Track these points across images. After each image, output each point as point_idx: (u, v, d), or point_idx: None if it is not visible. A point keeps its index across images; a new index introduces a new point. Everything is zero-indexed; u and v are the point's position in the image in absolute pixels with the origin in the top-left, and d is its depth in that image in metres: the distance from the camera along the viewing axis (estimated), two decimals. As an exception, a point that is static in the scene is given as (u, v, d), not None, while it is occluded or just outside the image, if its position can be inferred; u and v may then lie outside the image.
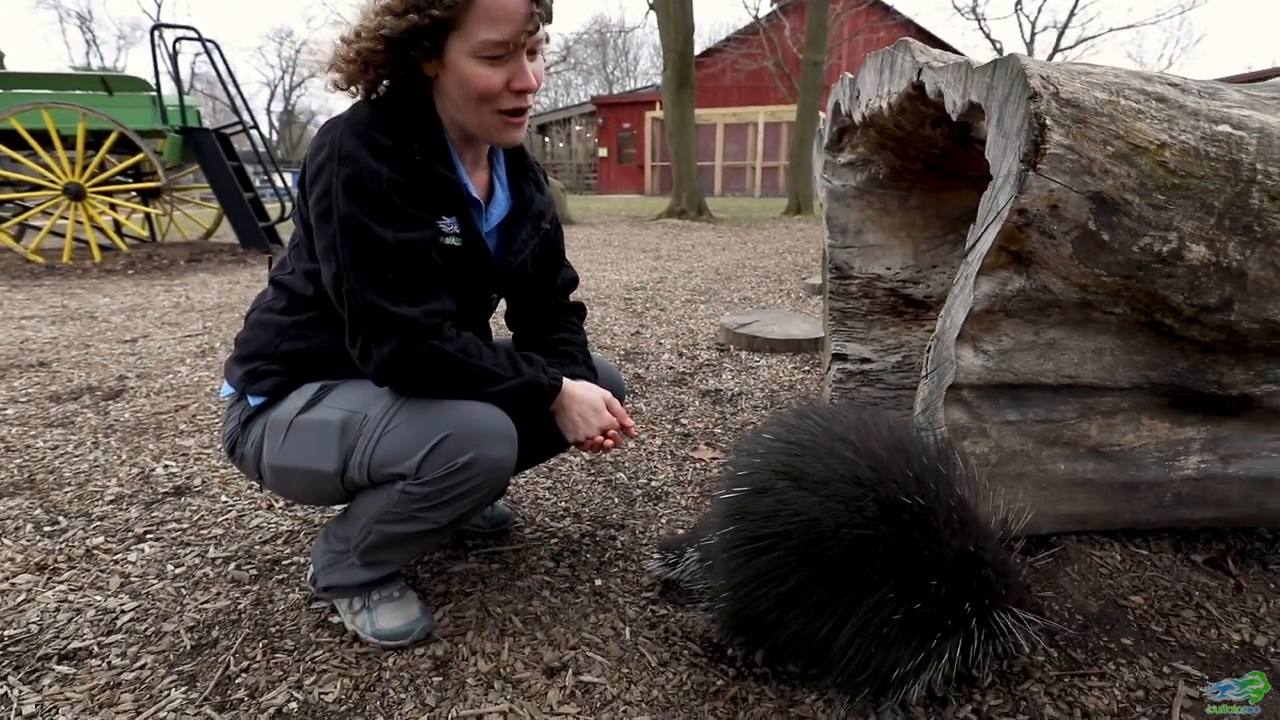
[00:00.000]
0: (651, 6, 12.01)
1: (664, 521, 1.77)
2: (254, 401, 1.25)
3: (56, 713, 1.11)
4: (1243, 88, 1.28)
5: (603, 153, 25.81)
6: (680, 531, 1.69)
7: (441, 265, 1.16)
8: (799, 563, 1.08)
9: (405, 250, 1.10)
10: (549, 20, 1.12)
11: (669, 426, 2.42)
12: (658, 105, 17.57)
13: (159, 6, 39.07)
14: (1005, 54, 1.19)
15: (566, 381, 1.26)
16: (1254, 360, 1.30)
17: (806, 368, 3.14)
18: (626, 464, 2.11)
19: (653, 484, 1.98)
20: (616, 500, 1.88)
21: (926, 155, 2.01)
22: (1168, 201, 1.13)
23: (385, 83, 1.16)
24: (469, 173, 1.24)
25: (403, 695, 1.16)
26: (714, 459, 2.15)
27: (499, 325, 1.52)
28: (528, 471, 2.00)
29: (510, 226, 1.34)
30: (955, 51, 1.27)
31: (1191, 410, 1.42)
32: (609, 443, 1.29)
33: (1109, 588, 1.47)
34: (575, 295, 1.56)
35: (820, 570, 1.08)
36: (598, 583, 1.49)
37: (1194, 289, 1.20)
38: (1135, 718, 1.13)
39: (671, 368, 3.13)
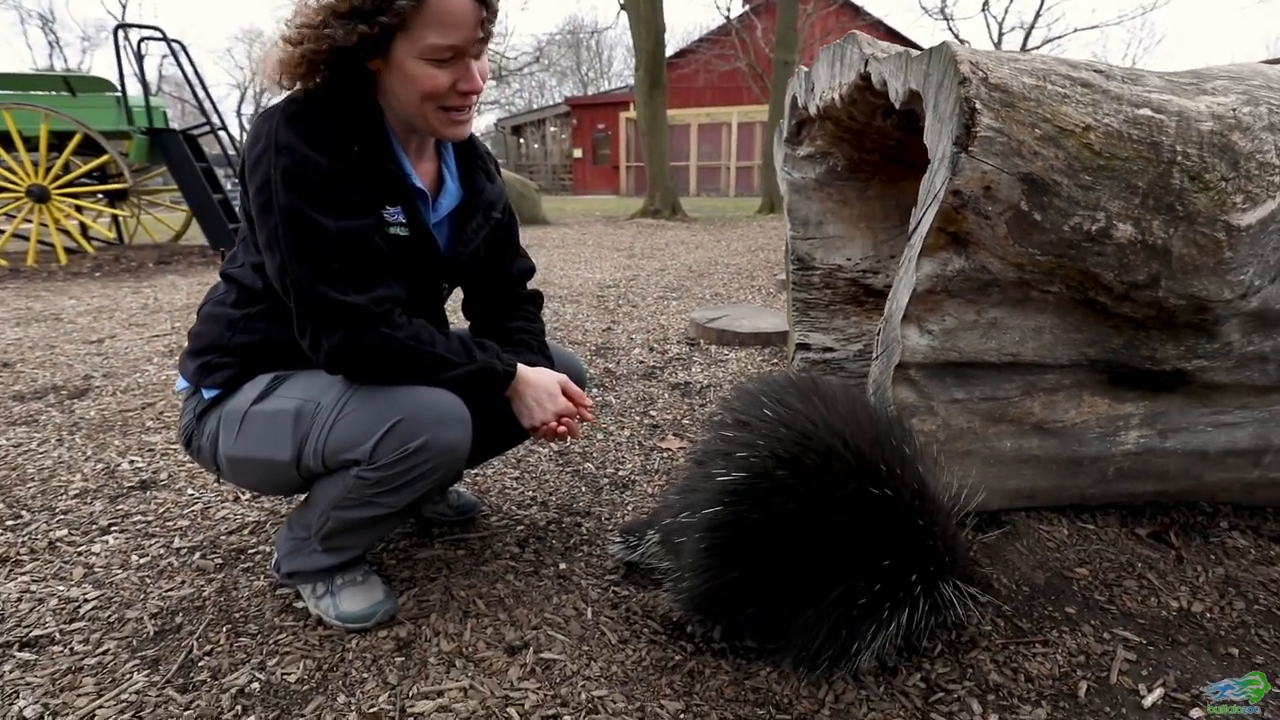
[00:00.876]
0: (623, 7, 12.04)
1: (630, 508, 1.80)
2: (208, 394, 1.26)
3: (17, 697, 1.11)
4: (1163, 74, 1.34)
5: (578, 154, 25.78)
6: (643, 516, 1.72)
7: (386, 252, 1.16)
8: (781, 547, 1.11)
9: (349, 238, 1.09)
10: (495, 20, 1.12)
11: (638, 418, 2.45)
12: (632, 106, 17.63)
13: (124, 7, 38.43)
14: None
15: (521, 367, 1.28)
16: (1183, 336, 1.36)
17: (775, 360, 3.18)
18: (594, 454, 2.14)
19: (620, 473, 2.01)
20: (584, 489, 1.91)
21: (882, 146, 2.06)
22: (1094, 182, 1.18)
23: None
24: (414, 163, 1.24)
25: (365, 675, 1.18)
26: (681, 449, 2.18)
27: (456, 314, 1.54)
28: (495, 462, 2.02)
29: (461, 216, 1.34)
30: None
31: (1130, 386, 1.48)
32: (562, 429, 1.30)
33: (1056, 560, 1.53)
34: (545, 289, 1.58)
35: (799, 555, 1.12)
36: (562, 566, 1.52)
37: (1123, 266, 1.25)
38: (1076, 680, 1.18)
39: (642, 362, 3.16)
